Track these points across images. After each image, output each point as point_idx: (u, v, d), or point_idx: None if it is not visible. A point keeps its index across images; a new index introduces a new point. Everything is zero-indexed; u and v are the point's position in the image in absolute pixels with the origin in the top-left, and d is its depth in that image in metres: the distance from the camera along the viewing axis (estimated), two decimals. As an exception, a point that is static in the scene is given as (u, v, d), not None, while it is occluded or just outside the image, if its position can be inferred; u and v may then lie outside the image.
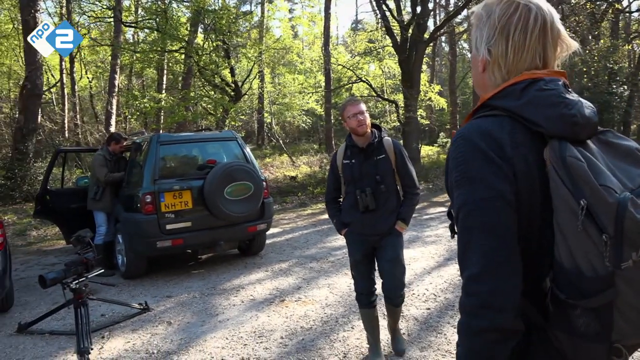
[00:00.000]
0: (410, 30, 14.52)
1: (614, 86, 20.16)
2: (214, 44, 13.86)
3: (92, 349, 3.68)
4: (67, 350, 3.89)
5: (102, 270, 4.09)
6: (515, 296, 0.95)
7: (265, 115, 24.23)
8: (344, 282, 5.18)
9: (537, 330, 1.02)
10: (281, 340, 3.82)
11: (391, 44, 16.74)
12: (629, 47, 24.27)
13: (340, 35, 44.78)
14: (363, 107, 3.21)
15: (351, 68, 19.52)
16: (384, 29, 17.17)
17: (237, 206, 5.61)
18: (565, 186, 0.92)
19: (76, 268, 3.89)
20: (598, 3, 20.54)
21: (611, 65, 20.50)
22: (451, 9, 22.34)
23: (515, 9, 1.06)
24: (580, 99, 1.03)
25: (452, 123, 26.55)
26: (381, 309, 3.81)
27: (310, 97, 24.04)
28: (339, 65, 21.07)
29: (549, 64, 1.09)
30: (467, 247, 0.99)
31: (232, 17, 13.87)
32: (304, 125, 27.41)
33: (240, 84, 15.54)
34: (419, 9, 14.59)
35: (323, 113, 23.96)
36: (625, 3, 23.32)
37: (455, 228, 1.18)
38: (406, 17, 16.82)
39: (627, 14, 25.56)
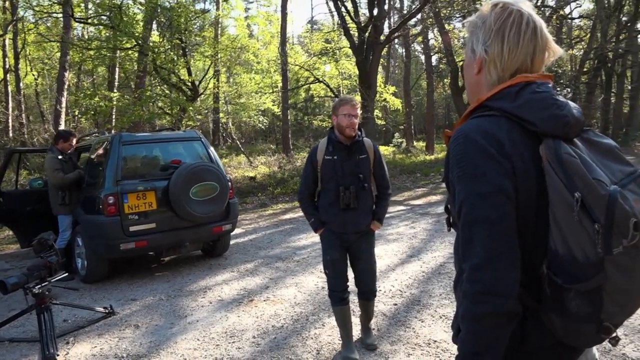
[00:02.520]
0: (367, 32, 14.74)
1: (558, 89, 21.16)
2: (173, 42, 13.59)
3: (57, 355, 3.58)
4: (30, 358, 3.76)
5: (67, 274, 3.97)
6: (515, 283, 1.03)
7: (221, 115, 23.95)
8: (311, 281, 5.24)
9: (531, 315, 1.10)
10: (253, 340, 3.83)
11: (348, 45, 16.96)
12: (572, 51, 25.50)
13: (296, 34, 44.87)
14: (359, 111, 3.28)
15: (308, 68, 19.61)
16: (341, 30, 17.36)
17: (202, 207, 5.56)
18: (560, 181, 1.01)
19: (39, 272, 3.77)
20: (543, 9, 21.52)
21: (555, 69, 21.54)
22: (405, 12, 22.83)
23: (510, 14, 1.17)
24: (568, 101, 1.13)
25: (407, 124, 27.08)
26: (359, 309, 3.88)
27: (267, 97, 23.96)
28: (296, 65, 21.11)
29: (538, 66, 1.19)
30: (470, 239, 1.06)
31: (190, 14, 13.63)
32: (260, 125, 27.27)
33: (197, 83, 15.30)
34: (375, 11, 14.84)
35: (280, 113, 23.92)
36: (567, 10, 24.50)
37: (452, 222, 1.27)
38: (363, 19, 17.06)
39: (570, 20, 26.88)
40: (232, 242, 6.92)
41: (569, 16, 25.67)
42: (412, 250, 6.25)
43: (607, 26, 23.20)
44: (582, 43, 25.83)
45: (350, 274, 3.47)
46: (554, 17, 21.77)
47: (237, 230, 7.98)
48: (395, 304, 4.40)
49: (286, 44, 23.26)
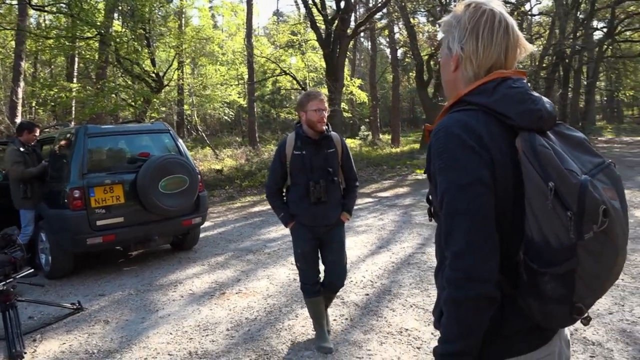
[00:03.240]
0: (334, 25, 14.78)
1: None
2: (137, 32, 13.25)
3: (25, 353, 3.49)
4: (-5, 356, 3.65)
5: (32, 270, 3.87)
6: (495, 269, 1.09)
7: (186, 107, 23.56)
8: (282, 273, 5.26)
9: (509, 300, 1.17)
10: (227, 332, 3.83)
11: (315, 38, 16.96)
12: (539, 46, 26.17)
13: (262, 26, 44.46)
14: (325, 103, 3.29)
15: (275, 61, 19.50)
16: (307, 22, 17.33)
17: (172, 200, 5.49)
18: (535, 171, 1.08)
19: (3, 268, 3.67)
20: (505, 6, 21.94)
21: (516, 64, 22.03)
22: (371, 6, 22.96)
23: (483, 13, 1.23)
24: (542, 96, 1.20)
25: (373, 116, 27.31)
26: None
27: (233, 89, 23.70)
28: (262, 57, 20.95)
29: (511, 62, 1.26)
30: (452, 227, 1.12)
31: (154, 4, 13.32)
32: (226, 117, 26.97)
33: (161, 74, 15.00)
34: (342, 3, 14.88)
35: (246, 105, 23.72)
36: (527, 6, 25.15)
37: (433, 212, 1.32)
38: (329, 12, 17.08)
39: (530, 17, 27.65)
40: (201, 235, 6.86)
41: (529, 13, 26.38)
42: (381, 242, 6.35)
43: (565, 23, 23.96)
44: (542, 39, 26.64)
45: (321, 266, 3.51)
46: (515, 13, 22.32)
47: (205, 224, 7.90)
48: (367, 294, 4.48)
49: (252, 35, 23.03)
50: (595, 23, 29.38)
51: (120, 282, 5.28)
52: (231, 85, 23.39)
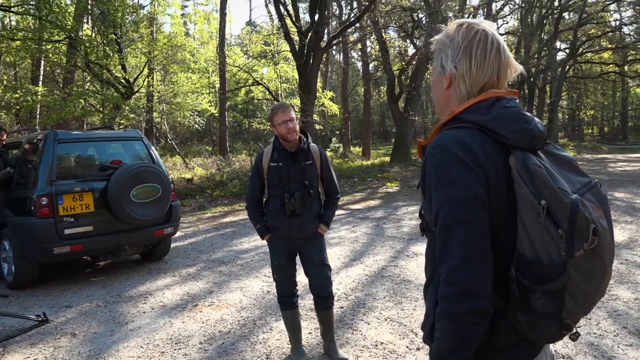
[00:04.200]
0: (308, 37, 14.87)
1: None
2: (108, 37, 13.00)
3: (-13, 368, 3.34)
4: (-46, 371, 3.47)
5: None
6: (489, 284, 1.12)
7: (155, 114, 23.23)
8: (256, 285, 5.21)
9: (499, 314, 1.19)
10: (200, 346, 3.76)
11: (288, 49, 17.03)
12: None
13: (235, 35, 44.34)
14: (293, 114, 3.28)
15: (248, 70, 19.46)
16: (281, 33, 17.38)
17: (144, 209, 5.38)
18: (528, 189, 1.11)
19: (-35, 279, 3.51)
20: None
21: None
22: (344, 19, 23.24)
23: (476, 33, 1.27)
24: (533, 116, 1.25)
25: (344, 129, 27.51)
26: (306, 313, 3.90)
27: (204, 98, 23.53)
28: (234, 66, 20.89)
29: (503, 82, 1.30)
30: (447, 242, 1.14)
31: (127, 9, 13.12)
32: (196, 126, 26.68)
33: (132, 80, 14.75)
34: (316, 16, 15.00)
35: (217, 114, 23.54)
36: (495, 26, 25.86)
37: (425, 227, 1.34)
38: (303, 24, 17.19)
39: (497, 36, 28.41)
40: (172, 245, 6.73)
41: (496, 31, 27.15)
42: (354, 254, 6.36)
43: (531, 43, 24.82)
44: (508, 58, 27.39)
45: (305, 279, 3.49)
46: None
47: (176, 234, 7.78)
48: (342, 307, 4.47)
49: (225, 44, 22.96)
50: (558, 44, 30.57)
51: (87, 293, 5.12)
52: (202, 94, 23.23)
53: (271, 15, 27.55)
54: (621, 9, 28.90)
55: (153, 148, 6.14)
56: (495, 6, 23.77)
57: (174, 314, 4.46)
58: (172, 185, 5.85)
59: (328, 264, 3.44)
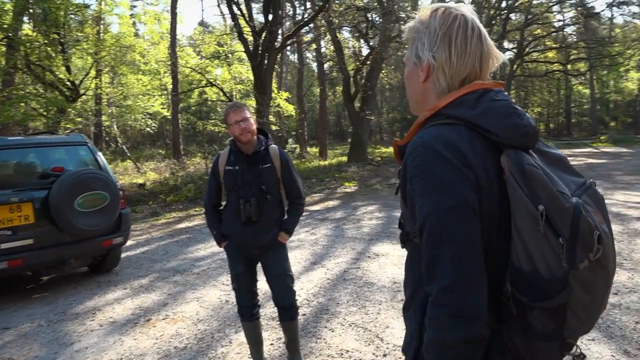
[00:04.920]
0: (262, 37, 14.63)
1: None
2: (50, 37, 12.31)
3: None
4: None
5: None
6: (485, 304, 0.97)
7: (104, 118, 22.35)
8: (213, 295, 4.96)
9: (493, 334, 1.05)
10: (154, 364, 3.50)
11: (241, 49, 16.71)
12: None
13: (187, 35, 43.37)
14: (247, 113, 3.08)
15: (200, 71, 18.98)
16: (234, 33, 17.05)
17: (90, 219, 5.02)
18: (523, 192, 0.97)
19: None
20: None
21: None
22: (298, 19, 23.10)
23: (455, 18, 1.12)
24: (524, 110, 1.11)
25: (301, 129, 27.37)
26: (268, 323, 3.71)
27: (156, 100, 22.83)
28: (187, 67, 20.35)
29: (485, 73, 1.15)
30: (435, 257, 0.98)
31: (70, 7, 12.46)
32: (148, 129, 25.87)
33: (78, 82, 14.06)
34: (270, 16, 14.79)
35: (170, 117, 22.90)
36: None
37: (406, 238, 1.18)
38: (256, 24, 16.92)
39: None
40: (122, 255, 6.37)
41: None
42: (314, 257, 6.21)
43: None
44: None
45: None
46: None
47: (127, 243, 7.40)
48: (304, 314, 4.30)
49: (176, 45, 22.36)
50: (506, 44, 31.47)
51: (28, 311, 4.73)
52: (154, 96, 22.53)
53: (224, 15, 27.11)
54: (564, 10, 30.04)
55: (100, 153, 5.78)
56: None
57: (124, 330, 4.17)
58: (121, 192, 5.51)
59: (290, 274, 3.26)
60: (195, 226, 9.01)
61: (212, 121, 20.56)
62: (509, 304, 1.00)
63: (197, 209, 11.08)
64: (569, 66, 31.45)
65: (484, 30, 1.13)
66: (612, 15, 37.18)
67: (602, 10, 36.43)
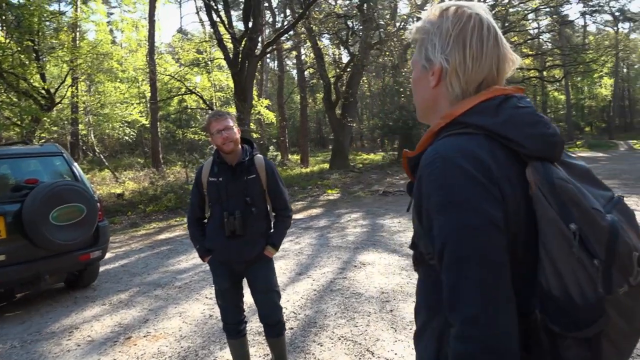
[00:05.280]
0: (242, 44, 14.51)
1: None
2: (23, 44, 11.98)
3: None
4: None
5: None
6: (517, 335, 0.86)
7: (81, 126, 21.91)
8: (196, 309, 4.79)
9: None
10: (135, 386, 3.33)
11: (221, 57, 16.56)
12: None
13: (165, 43, 42.97)
14: (230, 121, 2.95)
15: (180, 79, 18.75)
16: (214, 40, 16.90)
17: (66, 233, 4.81)
18: (553, 210, 0.87)
19: None
20: (406, 31, 23.08)
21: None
22: (278, 27, 23.05)
23: (469, 18, 1.02)
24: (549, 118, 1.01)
25: (282, 137, 27.25)
26: (254, 338, 3.57)
27: (134, 108, 22.50)
28: (166, 75, 20.10)
29: (502, 77, 1.06)
30: (459, 283, 0.87)
31: (45, 14, 12.16)
32: (127, 138, 25.45)
33: (53, 91, 13.72)
34: (250, 23, 14.68)
35: (149, 125, 22.57)
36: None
37: (420, 259, 1.07)
38: (236, 32, 16.80)
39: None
40: (100, 269, 6.14)
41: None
42: (300, 268, 6.08)
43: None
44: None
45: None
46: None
47: (105, 256, 7.17)
48: (291, 328, 4.17)
49: (155, 52, 22.08)
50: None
51: (1, 332, 4.49)
52: (132, 104, 22.21)
53: (203, 23, 26.92)
54: (539, 18, 30.58)
55: (76, 164, 5.57)
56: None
57: (103, 349, 3.97)
58: (98, 203, 5.32)
59: (276, 290, 3.13)
60: (177, 237, 8.79)
61: (192, 129, 20.26)
62: (539, 333, 0.90)
63: (177, 219, 10.85)
64: (544, 73, 32.00)
65: (499, 31, 1.04)
66: (585, 23, 38.03)
67: (577, 19, 37.26)
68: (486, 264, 0.86)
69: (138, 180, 16.35)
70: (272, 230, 3.14)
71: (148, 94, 22.21)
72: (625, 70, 43.30)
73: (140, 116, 22.98)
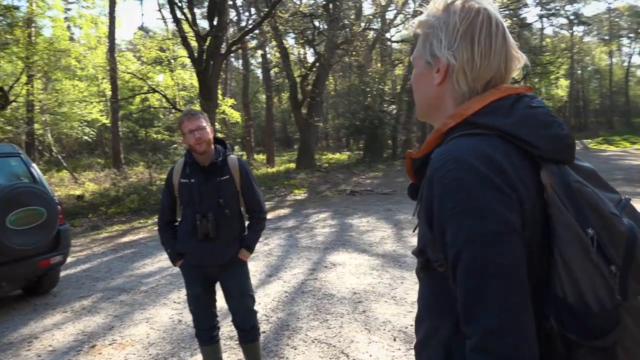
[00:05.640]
0: (207, 42, 14.25)
1: (385, 105, 23.11)
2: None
3: None
4: None
5: None
6: (537, 345, 0.83)
7: (37, 126, 21.07)
8: (164, 314, 4.65)
9: None
10: (101, 397, 3.19)
11: (185, 55, 16.24)
12: (400, 71, 28.07)
13: (126, 40, 41.81)
14: (203, 121, 2.85)
15: (142, 77, 18.28)
16: (178, 38, 16.56)
17: (25, 237, 4.58)
18: (570, 214, 0.85)
19: None
20: (371, 32, 23.29)
21: (382, 87, 23.46)
22: (243, 25, 22.77)
23: (477, 13, 0.98)
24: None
25: (247, 136, 27.01)
26: (226, 343, 3.47)
27: (94, 107, 21.80)
28: (127, 73, 19.56)
29: (509, 76, 1.02)
30: (477, 293, 0.83)
31: (-2, 9, 11.63)
32: (86, 137, 24.65)
33: (7, 89, 13.14)
34: (215, 21, 14.44)
35: (110, 124, 21.94)
36: (389, 35, 26.93)
37: (425, 267, 1.02)
38: (200, 29, 16.50)
39: (391, 43, 29.63)
40: (61, 274, 5.88)
41: (392, 39, 28.29)
42: (270, 269, 6.00)
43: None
44: (402, 64, 28.68)
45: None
46: (380, 40, 23.73)
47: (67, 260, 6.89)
48: (264, 332, 4.09)
49: (115, 49, 21.47)
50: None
51: (-47, 343, 4.25)
52: (92, 103, 21.51)
53: (165, 20, 26.36)
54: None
55: (34, 165, 5.32)
56: (388, 16, 24.62)
57: (67, 359, 3.80)
58: (59, 206, 5.09)
59: (251, 294, 3.06)
60: (141, 240, 8.55)
61: (155, 128, 19.79)
62: (554, 341, 0.87)
63: (141, 221, 10.56)
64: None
65: (506, 28, 1.00)
66: (543, 26, 39.22)
67: (535, 21, 38.34)
68: (506, 272, 0.82)
69: (98, 182, 15.87)
70: (245, 233, 3.06)
71: (108, 93, 21.59)
72: (579, 72, 44.90)
73: (100, 115, 22.29)
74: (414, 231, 1.26)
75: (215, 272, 2.96)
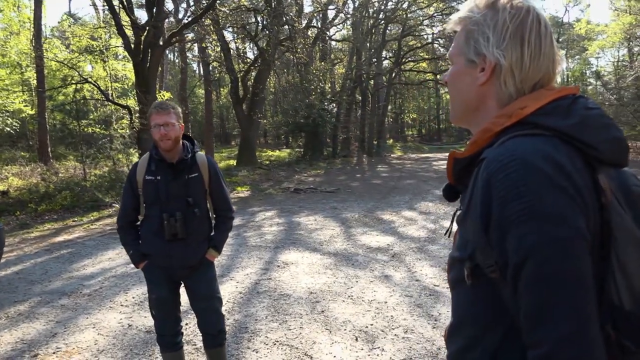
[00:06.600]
0: (145, 33, 13.66)
1: (326, 103, 23.27)
2: None
3: None
4: None
5: None
6: (605, 354, 0.82)
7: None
8: (112, 319, 4.40)
9: None
10: (51, 411, 2.96)
11: (121, 45, 15.50)
12: (341, 70, 28.31)
13: (50, 26, 39.30)
14: (172, 117, 2.70)
15: (73, 66, 17.22)
16: (112, 27, 15.78)
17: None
18: (631, 219, 0.85)
19: None
20: (311, 29, 23.31)
21: (323, 85, 23.60)
22: (180, 17, 22.09)
23: (527, 12, 0.96)
24: None
25: (185, 132, 26.25)
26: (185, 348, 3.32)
27: (17, 96, 20.33)
28: (56, 61, 18.37)
29: (555, 78, 1.01)
30: (548, 301, 0.81)
31: None
32: (8, 129, 22.94)
33: None
34: (154, 10, 13.87)
35: (36, 115, 20.56)
36: (330, 32, 27.09)
37: (473, 272, 0.98)
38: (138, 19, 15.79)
39: (330, 42, 29.87)
40: (-10, 278, 5.43)
41: (331, 38, 28.49)
42: (221, 269, 5.83)
43: (362, 50, 26.42)
44: (343, 64, 28.99)
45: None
46: (321, 38, 23.81)
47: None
48: (222, 335, 3.97)
49: (42, 36, 20.13)
50: (384, 53, 33.13)
51: None
52: (14, 92, 20.06)
53: (96, 7, 25.05)
54: (433, 25, 32.35)
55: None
56: (329, 14, 24.79)
57: (6, 371, 3.50)
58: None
59: (218, 296, 2.95)
60: (77, 239, 8.06)
61: (88, 121, 18.72)
62: (612, 349, 0.86)
63: (75, 219, 9.97)
64: (438, 76, 34.01)
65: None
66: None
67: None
68: (577, 279, 0.80)
69: (24, 176, 14.81)
70: (212, 233, 2.95)
71: (34, 82, 20.22)
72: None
73: (24, 106, 20.81)
74: (448, 235, 1.23)
75: (183, 274, 2.83)
